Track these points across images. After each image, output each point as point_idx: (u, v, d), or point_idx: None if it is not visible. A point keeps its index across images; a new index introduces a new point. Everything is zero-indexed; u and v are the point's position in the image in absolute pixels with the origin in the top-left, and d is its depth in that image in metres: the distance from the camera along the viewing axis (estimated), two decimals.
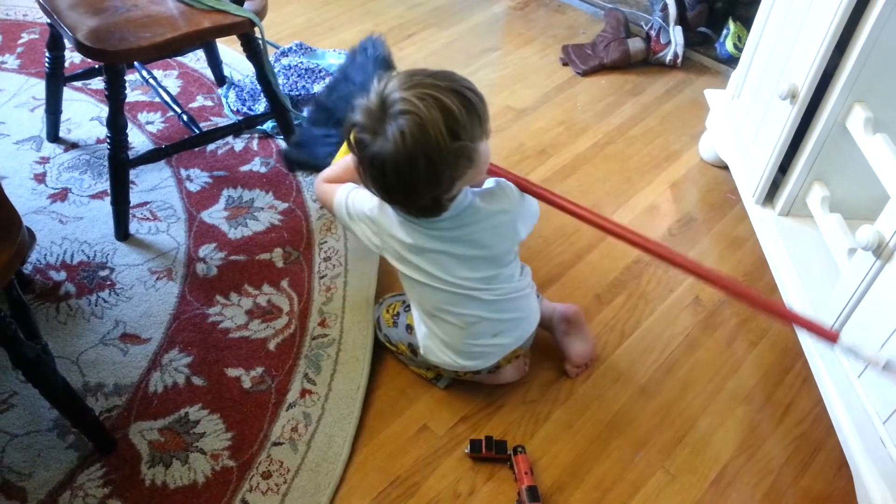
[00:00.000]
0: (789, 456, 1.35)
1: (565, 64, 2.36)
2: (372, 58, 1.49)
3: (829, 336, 1.08)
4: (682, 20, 2.32)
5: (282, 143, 1.90)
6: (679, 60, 2.33)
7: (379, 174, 1.07)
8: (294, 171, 1.60)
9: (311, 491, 1.23)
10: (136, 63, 1.91)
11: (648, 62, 2.36)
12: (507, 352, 1.32)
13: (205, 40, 1.87)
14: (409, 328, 1.35)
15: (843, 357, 1.24)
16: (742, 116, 1.75)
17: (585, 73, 2.32)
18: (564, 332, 1.44)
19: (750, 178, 1.65)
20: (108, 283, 1.54)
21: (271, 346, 1.45)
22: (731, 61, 2.26)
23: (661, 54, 2.34)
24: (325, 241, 1.67)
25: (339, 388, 1.39)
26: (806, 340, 1.36)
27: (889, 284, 1.13)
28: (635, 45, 2.33)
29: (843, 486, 1.30)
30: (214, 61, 2.05)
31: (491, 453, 1.30)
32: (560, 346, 1.45)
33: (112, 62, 1.46)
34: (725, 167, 1.87)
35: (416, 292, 1.27)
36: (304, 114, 2.00)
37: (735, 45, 2.26)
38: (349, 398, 1.37)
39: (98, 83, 2.06)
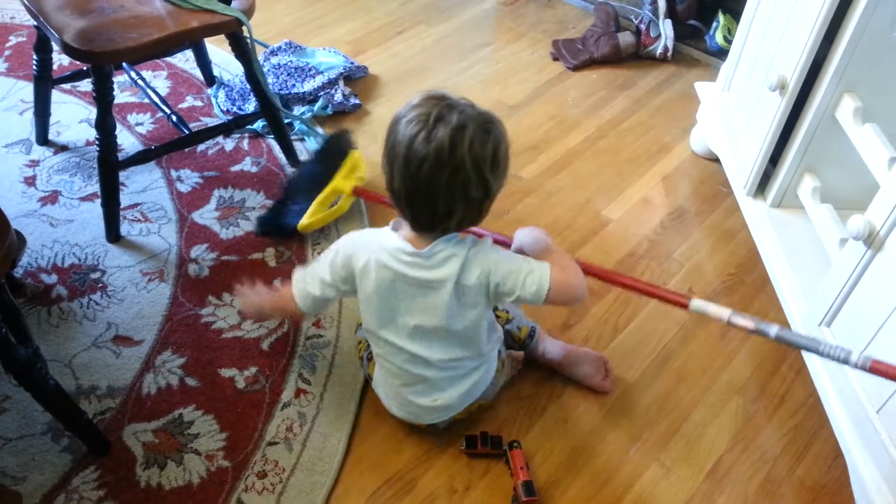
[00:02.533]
0: (784, 447, 1.36)
1: (556, 59, 2.36)
2: (337, 152, 1.67)
3: (681, 303, 1.16)
4: (671, 13, 2.32)
5: (273, 144, 1.90)
6: (669, 54, 2.34)
7: (403, 163, 1.04)
8: (268, 236, 1.69)
9: (306, 490, 1.23)
10: (124, 64, 1.90)
11: (639, 56, 2.36)
12: (450, 415, 1.28)
13: (193, 40, 1.86)
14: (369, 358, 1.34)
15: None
16: (732, 109, 1.75)
17: (576, 68, 2.32)
18: (570, 373, 1.43)
19: (741, 170, 1.65)
20: (100, 285, 1.54)
21: (265, 345, 1.44)
22: (721, 54, 2.26)
23: (651, 48, 2.34)
24: (319, 242, 1.66)
25: (335, 388, 1.38)
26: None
27: (880, 273, 1.13)
28: (625, 39, 2.33)
29: (838, 477, 1.30)
30: (203, 61, 2.05)
31: (486, 449, 1.30)
32: (580, 381, 1.44)
33: (99, 63, 1.45)
34: (716, 160, 1.88)
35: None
36: (295, 112, 2.00)
37: (725, 38, 2.26)
38: (345, 399, 1.37)
39: (86, 85, 2.04)
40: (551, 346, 1.42)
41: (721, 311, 1.11)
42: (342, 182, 1.62)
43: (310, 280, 1.23)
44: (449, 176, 1.02)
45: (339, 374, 1.41)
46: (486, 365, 1.27)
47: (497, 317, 1.39)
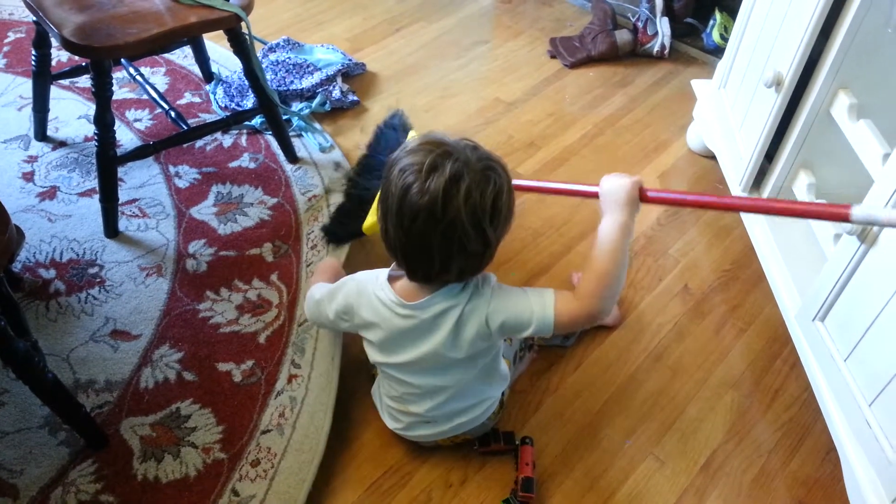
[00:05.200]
0: (778, 441, 1.37)
1: (553, 56, 2.37)
2: (398, 129, 1.57)
3: (842, 215, 0.99)
4: (668, 11, 2.33)
5: (271, 140, 1.90)
6: (666, 51, 2.34)
7: (396, 216, 1.01)
8: (337, 243, 1.64)
9: (295, 470, 1.24)
10: (123, 60, 1.91)
11: (636, 54, 2.37)
12: (435, 439, 1.27)
13: (191, 35, 1.87)
14: None
15: (829, 341, 1.24)
16: (728, 105, 1.76)
17: (573, 66, 2.32)
18: None
19: (737, 167, 1.66)
20: (98, 280, 1.54)
21: (261, 339, 1.45)
22: (718, 51, 2.27)
23: (648, 46, 2.34)
24: (312, 231, 1.67)
25: (318, 364, 1.39)
26: (794, 327, 1.37)
27: (873, 268, 1.14)
28: (622, 36, 2.33)
29: (831, 470, 1.31)
30: (202, 58, 2.05)
31: (500, 445, 1.29)
32: None
33: (98, 58, 1.46)
34: (713, 157, 1.88)
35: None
36: (293, 108, 2.01)
37: (721, 36, 2.26)
38: (326, 372, 1.38)
39: (85, 81, 2.05)
40: None
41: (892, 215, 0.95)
42: None
43: (319, 307, 1.26)
44: (444, 231, 0.98)
45: (320, 347, 1.42)
46: (485, 406, 1.24)
47: None
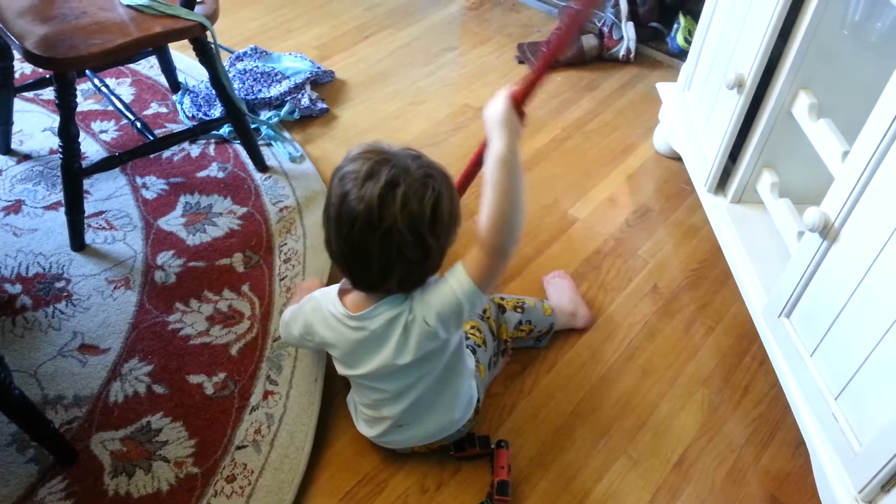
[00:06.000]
0: (749, 436, 1.38)
1: (521, 62, 2.38)
2: None
3: None
4: (633, 16, 2.36)
5: (239, 149, 1.89)
6: (632, 56, 2.37)
7: (335, 224, 1.01)
8: None
9: (274, 489, 1.23)
10: (87, 71, 1.89)
11: (602, 58, 2.40)
12: (411, 445, 1.27)
13: (156, 45, 1.85)
14: None
15: (795, 336, 1.27)
16: (693, 108, 1.79)
17: None
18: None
19: (702, 168, 1.68)
20: (65, 294, 1.52)
21: (233, 350, 1.44)
22: (682, 55, 2.30)
23: (614, 50, 2.37)
24: (285, 244, 1.66)
25: (299, 384, 1.39)
26: (761, 323, 1.39)
27: (836, 264, 1.16)
28: (589, 41, 2.36)
29: (802, 464, 1.33)
30: (168, 67, 2.04)
31: (475, 450, 1.29)
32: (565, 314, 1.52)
33: (62, 70, 1.44)
34: (679, 158, 1.91)
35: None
36: (261, 117, 2.00)
37: (685, 39, 2.30)
38: (308, 392, 1.37)
39: (50, 93, 2.01)
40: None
41: None
42: None
43: (288, 328, 1.28)
44: (381, 238, 0.97)
45: (301, 367, 1.41)
46: (458, 405, 1.23)
47: (521, 330, 1.43)
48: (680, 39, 2.32)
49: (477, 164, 1.19)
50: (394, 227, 0.97)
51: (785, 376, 1.31)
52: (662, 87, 1.99)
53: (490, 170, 1.00)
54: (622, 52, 2.37)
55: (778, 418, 1.41)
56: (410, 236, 0.98)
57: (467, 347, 1.30)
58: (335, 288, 1.15)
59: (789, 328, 1.29)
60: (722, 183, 1.64)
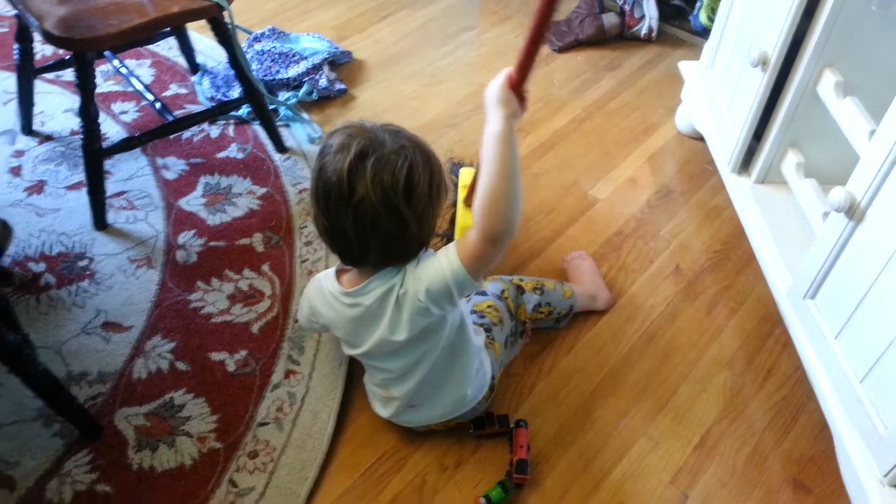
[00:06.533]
0: (771, 419, 1.37)
1: None
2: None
3: None
4: None
5: (258, 130, 1.89)
6: (654, 34, 2.34)
7: (314, 198, 1.03)
8: None
9: (297, 467, 1.24)
10: (107, 53, 1.89)
11: (623, 37, 2.37)
12: (426, 423, 1.28)
13: (173, 25, 1.84)
14: None
15: (820, 319, 1.25)
16: (716, 86, 1.76)
17: (561, 50, 2.32)
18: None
19: (725, 148, 1.66)
20: (88, 272, 1.54)
21: (254, 329, 1.45)
22: (705, 33, 2.25)
23: (635, 28, 2.34)
24: (306, 226, 1.67)
25: (322, 366, 1.39)
26: (785, 305, 1.38)
27: (861, 245, 1.14)
28: (610, 20, 2.33)
29: (825, 448, 1.32)
30: (187, 49, 2.04)
31: (494, 428, 1.30)
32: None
33: (80, 50, 1.44)
34: (701, 138, 1.88)
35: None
36: (280, 97, 2.00)
37: (708, 17, 2.26)
38: (332, 375, 1.38)
39: (70, 74, 2.02)
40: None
41: None
42: (465, 216, 1.33)
43: (301, 310, 1.31)
44: (354, 210, 0.98)
45: (325, 350, 1.42)
46: (468, 383, 1.23)
47: (540, 312, 1.42)
48: (703, 17, 2.28)
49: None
50: (365, 199, 0.97)
51: (809, 359, 1.29)
52: (685, 66, 1.96)
53: (485, 148, 0.98)
54: (644, 31, 2.33)
55: (801, 402, 1.40)
56: (383, 207, 0.97)
57: (482, 326, 1.31)
58: (333, 270, 1.16)
59: (814, 310, 1.27)
60: (746, 163, 1.62)
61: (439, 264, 1.04)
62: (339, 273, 1.15)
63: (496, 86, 1.01)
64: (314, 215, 1.06)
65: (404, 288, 1.06)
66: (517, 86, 1.02)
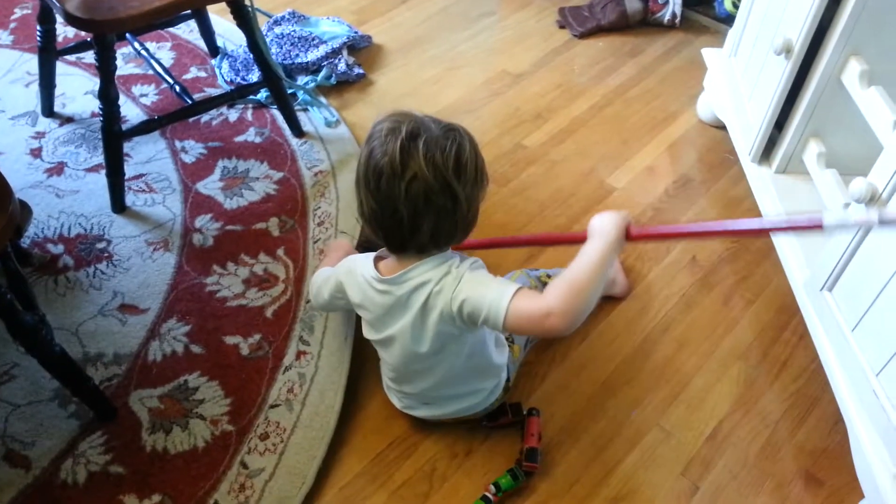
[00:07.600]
0: (785, 411, 1.36)
1: (562, 27, 2.34)
2: None
3: (816, 225, 0.97)
4: None
5: (276, 114, 1.89)
6: (677, 20, 2.31)
7: (364, 182, 1.03)
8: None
9: (306, 447, 1.25)
10: (128, 35, 1.90)
11: (646, 23, 2.34)
12: (439, 416, 1.28)
13: (194, 7, 1.86)
14: None
15: (837, 311, 1.23)
16: (739, 74, 1.73)
17: (583, 36, 2.29)
18: None
19: (746, 137, 1.64)
20: (106, 254, 1.55)
21: (268, 313, 1.45)
22: (730, 20, 2.21)
23: (659, 14, 2.31)
24: (319, 207, 1.67)
25: (330, 343, 1.40)
26: (802, 297, 1.36)
27: (881, 238, 1.12)
28: (633, 5, 2.30)
29: (839, 441, 1.31)
30: (207, 32, 2.04)
31: (508, 418, 1.29)
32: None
33: (102, 32, 1.45)
34: (723, 127, 1.86)
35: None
36: (298, 82, 2.00)
37: (733, 3, 2.22)
38: (339, 351, 1.39)
39: (91, 57, 2.02)
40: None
41: (867, 216, 0.95)
42: None
43: (320, 289, 1.29)
44: (407, 186, 0.99)
45: (332, 326, 1.43)
46: (482, 395, 1.24)
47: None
48: (727, 4, 2.24)
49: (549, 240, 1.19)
50: (419, 174, 0.98)
51: (825, 351, 1.27)
52: (708, 54, 1.93)
53: (591, 254, 1.03)
54: (667, 17, 2.30)
55: (816, 394, 1.38)
56: (436, 183, 0.99)
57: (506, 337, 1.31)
58: (372, 255, 1.16)
59: (831, 302, 1.26)
60: (767, 153, 1.59)
61: (487, 291, 1.03)
62: (376, 260, 1.14)
63: (615, 220, 1.07)
64: (359, 201, 1.06)
65: (440, 286, 1.06)
66: (634, 238, 1.09)
